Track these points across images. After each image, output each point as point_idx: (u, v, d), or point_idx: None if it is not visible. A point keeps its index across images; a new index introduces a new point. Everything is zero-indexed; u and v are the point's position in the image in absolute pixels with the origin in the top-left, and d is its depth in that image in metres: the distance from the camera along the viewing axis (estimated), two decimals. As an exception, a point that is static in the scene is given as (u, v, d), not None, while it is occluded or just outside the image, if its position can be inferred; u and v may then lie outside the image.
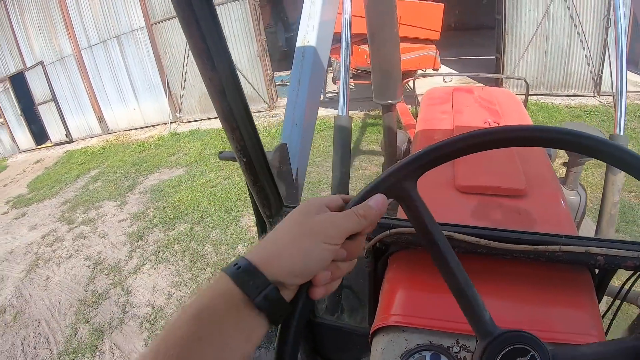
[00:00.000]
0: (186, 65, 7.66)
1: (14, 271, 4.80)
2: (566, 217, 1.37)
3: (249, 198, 4.15)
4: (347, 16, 1.87)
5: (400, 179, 0.62)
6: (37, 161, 9.15)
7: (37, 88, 9.31)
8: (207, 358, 0.44)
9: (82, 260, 4.65)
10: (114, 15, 7.88)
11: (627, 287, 1.05)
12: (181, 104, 8.07)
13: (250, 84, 7.80)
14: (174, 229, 4.86)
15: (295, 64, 1.68)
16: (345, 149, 1.80)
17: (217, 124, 7.78)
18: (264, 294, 0.49)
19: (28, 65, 9.13)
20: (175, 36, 7.49)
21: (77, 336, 3.57)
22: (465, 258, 0.90)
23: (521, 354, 0.57)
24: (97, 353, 3.39)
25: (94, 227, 5.32)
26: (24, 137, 10.13)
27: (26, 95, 9.64)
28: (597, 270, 0.99)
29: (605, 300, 1.13)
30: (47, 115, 9.53)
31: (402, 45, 5.77)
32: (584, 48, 6.16)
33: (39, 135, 10.12)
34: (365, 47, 5.99)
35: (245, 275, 0.49)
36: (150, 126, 8.52)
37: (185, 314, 0.46)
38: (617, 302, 1.14)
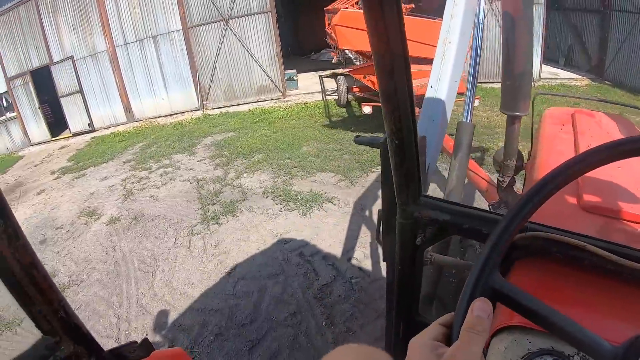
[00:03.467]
0: (216, 62, 9.18)
1: (111, 199, 5.82)
2: None
3: (303, 136, 6.79)
4: (480, 23, 1.99)
5: (487, 277, 0.60)
6: (62, 147, 9.93)
7: (63, 81, 10.27)
8: None
9: (180, 183, 5.85)
10: (152, 19, 9.23)
11: None
12: (208, 93, 9.45)
13: (269, 77, 9.49)
14: (253, 157, 6.33)
15: (436, 63, 1.71)
16: (464, 154, 1.81)
17: (242, 108, 9.29)
18: None
19: (55, 60, 10.11)
20: (208, 38, 9.02)
21: (209, 212, 4.81)
22: (594, 275, 0.92)
23: None
24: (237, 213, 4.70)
25: (176, 167, 6.51)
26: (38, 130, 10.86)
27: (48, 89, 10.52)
28: None
29: None
30: (71, 107, 10.44)
31: (428, 67, 6.79)
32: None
33: (57, 126, 10.92)
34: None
35: None
36: (176, 113, 9.74)
37: None
38: None
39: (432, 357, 0.53)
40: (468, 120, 1.92)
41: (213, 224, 4.51)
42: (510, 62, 2.15)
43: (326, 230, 4.12)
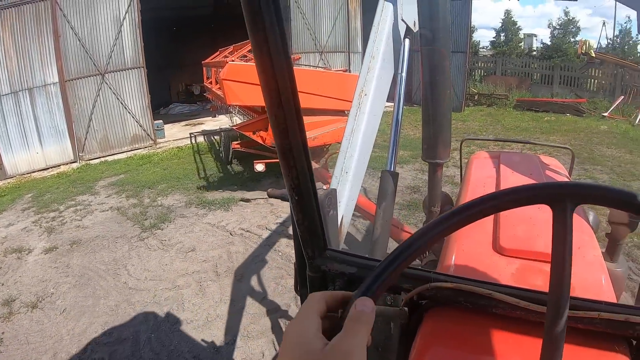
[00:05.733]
0: (92, 114, 9.93)
1: (32, 237, 6.35)
2: (607, 286, 1.34)
3: (183, 174, 8.44)
4: (403, 74, 2.01)
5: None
6: None
7: None
8: None
9: (100, 213, 6.65)
10: (29, 71, 9.41)
11: None
12: (84, 145, 10.04)
13: (141, 127, 10.57)
14: (158, 187, 7.61)
15: (351, 115, 1.75)
16: (388, 203, 1.83)
17: (119, 157, 10.12)
18: None
19: None
20: (85, 91, 9.74)
21: (146, 224, 5.91)
22: (503, 322, 0.97)
23: None
24: (172, 220, 5.97)
25: (86, 204, 7.17)
26: None
27: None
28: (634, 342, 0.93)
29: None
30: None
31: (321, 118, 6.29)
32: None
33: None
34: None
35: None
36: (52, 167, 9.97)
37: None
38: None
39: (314, 345, 0.54)
40: (392, 169, 1.95)
41: (155, 230, 5.67)
42: (429, 112, 2.30)
43: (248, 215, 5.74)
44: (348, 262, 1.11)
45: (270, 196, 1.61)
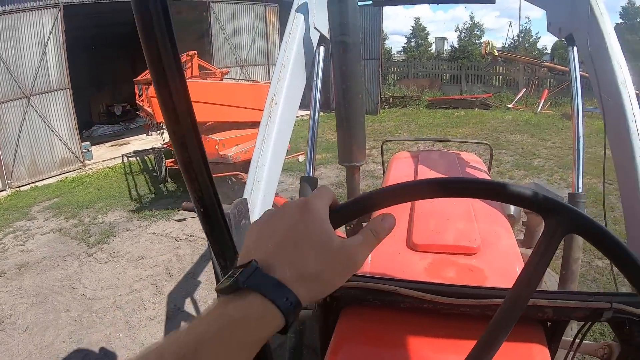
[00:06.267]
0: (18, 139, 9.81)
1: None
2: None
3: (119, 192, 8.85)
4: (318, 81, 2.06)
5: None
6: None
7: None
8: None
9: (42, 236, 6.70)
10: None
11: (579, 338, 1.06)
12: (12, 172, 9.89)
13: (69, 149, 10.57)
14: (96, 206, 7.74)
15: (262, 125, 1.76)
16: None
17: (49, 181, 10.05)
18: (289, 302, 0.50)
19: None
20: (11, 116, 9.60)
21: (92, 240, 6.15)
22: (414, 315, 1.00)
23: None
24: (117, 234, 6.26)
25: (25, 230, 7.14)
26: None
27: None
28: (549, 323, 0.97)
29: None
30: None
31: (252, 130, 6.24)
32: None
33: None
34: (216, 137, 6.34)
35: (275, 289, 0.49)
36: (-23, 197, 9.77)
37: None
38: (580, 354, 1.16)
39: (331, 238, 0.54)
40: (310, 175, 1.99)
41: (102, 245, 5.93)
42: (342, 117, 2.31)
43: (190, 222, 6.23)
44: None
45: (184, 209, 1.58)
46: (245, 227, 1.38)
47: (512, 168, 8.88)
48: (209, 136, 6.40)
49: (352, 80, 2.27)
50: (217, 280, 1.23)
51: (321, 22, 2.13)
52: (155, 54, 0.66)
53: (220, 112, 6.47)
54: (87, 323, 4.22)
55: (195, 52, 8.34)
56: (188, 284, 4.69)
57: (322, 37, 2.16)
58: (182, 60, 7.77)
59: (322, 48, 2.16)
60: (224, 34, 13.60)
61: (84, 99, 17.23)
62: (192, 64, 8.30)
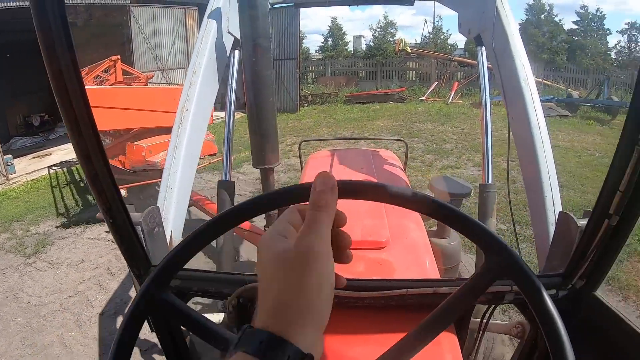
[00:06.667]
0: None
1: None
2: (430, 263, 1.46)
3: (48, 202, 8.83)
4: (233, 85, 2.10)
5: (154, 294, 0.69)
6: None
7: None
8: None
9: None
10: None
11: (485, 320, 1.15)
12: None
13: (-12, 163, 10.35)
14: (26, 219, 7.75)
15: (174, 131, 1.78)
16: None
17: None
18: None
19: None
20: None
21: (28, 251, 6.27)
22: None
23: None
24: (53, 242, 6.44)
25: None
26: None
27: None
28: None
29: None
30: None
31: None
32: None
33: None
34: (142, 143, 6.15)
35: (270, 350, 0.46)
36: None
37: None
38: (490, 335, 1.30)
39: (280, 245, 0.52)
40: (227, 179, 1.99)
41: (40, 254, 6.03)
42: (255, 120, 2.28)
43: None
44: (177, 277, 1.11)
45: (99, 219, 1.48)
46: (160, 235, 1.39)
47: (424, 153, 9.78)
48: (135, 143, 6.31)
49: (264, 83, 2.27)
50: (135, 288, 1.26)
51: (235, 26, 2.17)
52: (57, 70, 0.69)
53: (145, 118, 6.36)
54: (38, 327, 4.44)
55: (119, 57, 8.25)
56: (131, 280, 5.06)
57: (236, 40, 2.22)
58: (106, 66, 8.06)
59: (236, 52, 2.23)
60: (144, 38, 13.67)
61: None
62: (115, 69, 8.15)
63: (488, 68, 2.22)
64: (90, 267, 5.56)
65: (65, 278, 5.39)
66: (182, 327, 1.04)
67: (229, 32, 2.14)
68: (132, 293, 4.80)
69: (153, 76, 10.79)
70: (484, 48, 2.22)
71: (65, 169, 10.86)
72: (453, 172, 8.61)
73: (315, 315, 0.50)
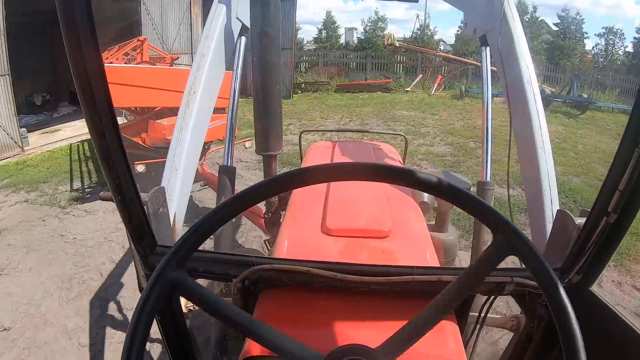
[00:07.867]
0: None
1: None
2: (431, 254, 1.46)
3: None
4: (238, 71, 2.07)
5: (170, 274, 0.70)
6: None
7: None
8: None
9: (8, 207, 7.72)
10: None
11: (485, 311, 1.15)
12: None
13: (8, 135, 11.19)
14: (52, 182, 8.61)
15: (180, 113, 1.75)
16: (227, 197, 1.79)
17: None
18: None
19: None
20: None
21: (62, 203, 7.36)
22: (327, 294, 1.03)
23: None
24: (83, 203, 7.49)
25: None
26: None
27: None
28: None
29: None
30: None
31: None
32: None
33: None
34: (163, 122, 6.17)
35: None
36: None
37: None
38: (488, 326, 1.26)
39: None
40: (229, 164, 2.02)
41: (75, 205, 6.88)
42: (260, 106, 2.28)
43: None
44: None
45: (102, 199, 1.48)
46: (164, 216, 1.37)
47: (403, 134, 10.80)
48: (157, 121, 6.32)
49: (271, 70, 2.24)
50: (136, 268, 1.25)
51: (243, 12, 2.15)
52: (75, 42, 0.69)
53: (167, 98, 6.34)
54: (87, 254, 5.15)
55: (145, 37, 8.71)
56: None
57: (243, 27, 2.20)
58: (133, 45, 8.68)
59: (243, 38, 2.21)
60: (152, 24, 14.46)
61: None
62: (142, 49, 8.44)
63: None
64: (124, 214, 6.44)
65: (103, 221, 6.24)
66: (188, 313, 1.13)
67: (237, 18, 2.14)
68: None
69: (179, 57, 11.02)
70: (488, 48, 2.24)
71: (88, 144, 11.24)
72: (427, 149, 9.76)
73: None
